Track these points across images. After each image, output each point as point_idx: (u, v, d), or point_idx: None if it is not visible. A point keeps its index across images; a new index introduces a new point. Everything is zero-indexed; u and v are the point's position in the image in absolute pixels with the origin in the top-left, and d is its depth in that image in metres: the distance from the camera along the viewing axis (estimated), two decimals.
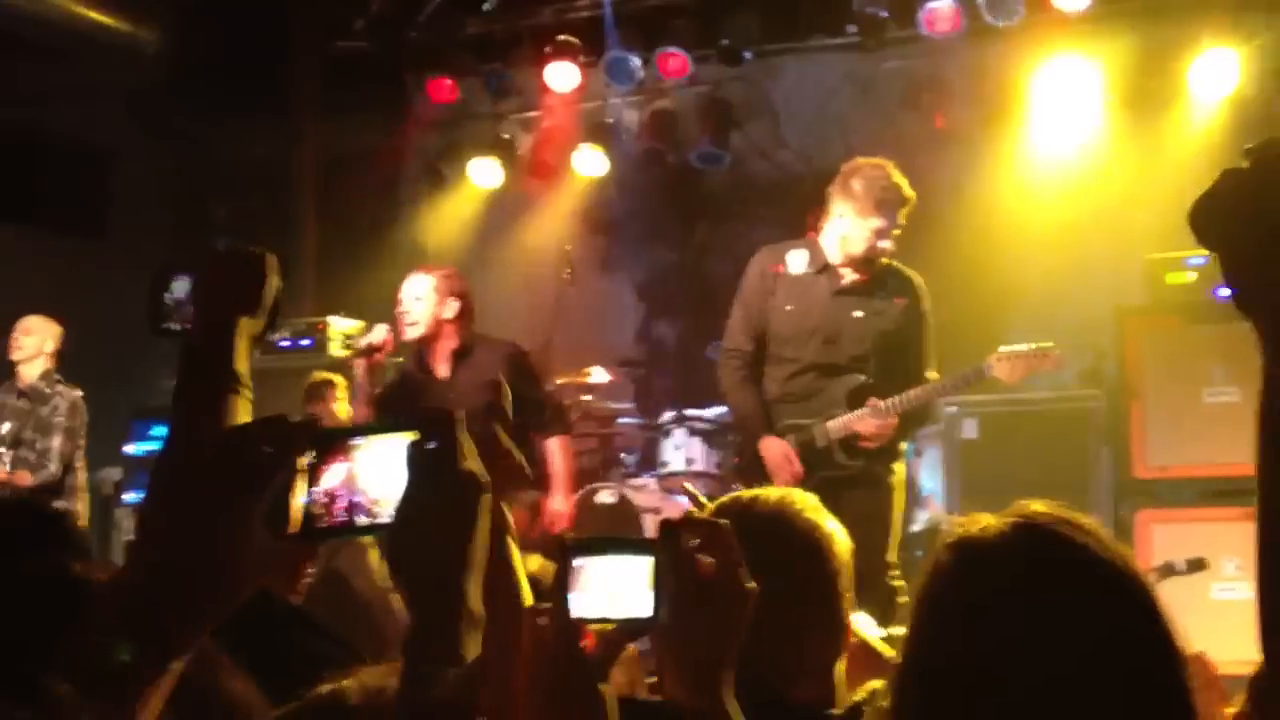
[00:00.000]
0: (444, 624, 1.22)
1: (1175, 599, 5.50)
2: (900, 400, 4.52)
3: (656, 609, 1.27)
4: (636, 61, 7.78)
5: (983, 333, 5.32)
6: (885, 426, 4.50)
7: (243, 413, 1.63)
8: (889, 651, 2.42)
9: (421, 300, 5.56)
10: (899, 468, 4.74)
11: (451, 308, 5.58)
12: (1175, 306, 5.71)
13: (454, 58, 8.11)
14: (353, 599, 5.89)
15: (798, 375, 4.63)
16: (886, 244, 4.53)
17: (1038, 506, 1.36)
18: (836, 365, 4.60)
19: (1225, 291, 5.01)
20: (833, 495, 4.07)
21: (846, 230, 4.54)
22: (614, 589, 1.28)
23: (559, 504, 5.68)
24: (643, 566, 1.29)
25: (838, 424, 4.57)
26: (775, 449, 4.56)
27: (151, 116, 8.72)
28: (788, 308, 4.64)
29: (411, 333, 5.57)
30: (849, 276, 4.62)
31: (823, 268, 4.64)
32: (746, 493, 2.20)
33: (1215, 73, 6.73)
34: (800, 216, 7.27)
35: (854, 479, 4.56)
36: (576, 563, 1.29)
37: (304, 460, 1.25)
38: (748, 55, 7.60)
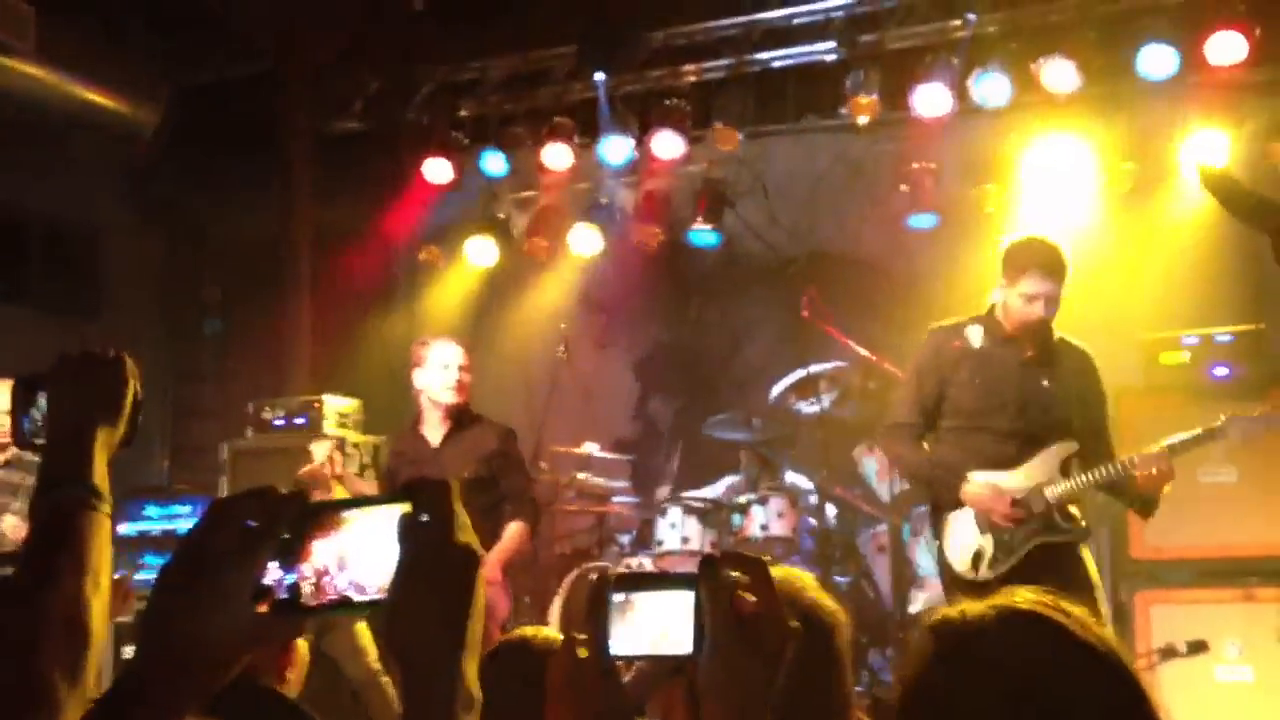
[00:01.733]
0: (440, 707, 1.18)
1: (1179, 682, 5.45)
2: (1178, 443, 4.51)
3: (697, 645, 1.25)
4: (630, 142, 7.85)
5: None
6: (1166, 465, 4.45)
7: (102, 530, 1.53)
8: None
9: (466, 369, 5.93)
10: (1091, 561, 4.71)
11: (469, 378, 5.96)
12: (1170, 386, 5.71)
13: (450, 138, 8.19)
14: (344, 683, 5.81)
15: (999, 444, 4.64)
16: (1039, 309, 4.56)
17: (1023, 593, 1.34)
18: (1036, 434, 4.63)
19: (1220, 371, 5.04)
20: (1051, 565, 4.34)
21: (1004, 298, 4.65)
22: (654, 625, 1.26)
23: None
24: (684, 602, 1.26)
25: (1092, 475, 4.53)
26: (982, 489, 4.55)
27: (145, 195, 8.76)
28: (976, 380, 4.69)
29: (456, 397, 5.88)
30: (1029, 348, 4.67)
31: (1003, 340, 4.70)
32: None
33: (1205, 154, 6.79)
34: (794, 295, 7.29)
35: (1069, 550, 4.55)
36: (617, 598, 1.27)
37: (290, 534, 1.22)
38: (741, 136, 7.66)
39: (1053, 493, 4.55)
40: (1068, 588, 3.84)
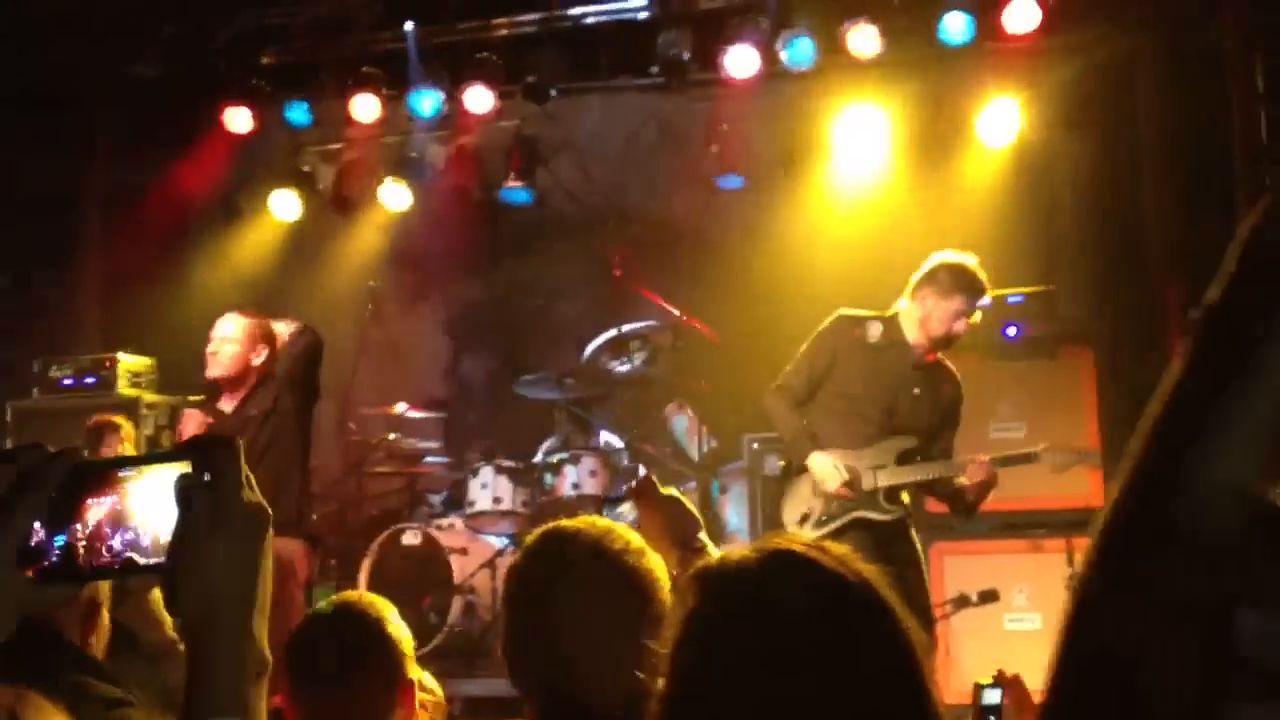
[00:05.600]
0: (227, 670, 1.14)
1: (970, 629, 5.68)
2: (1001, 457, 5.06)
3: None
4: (441, 95, 7.69)
5: (778, 374, 5.42)
6: (990, 475, 4.99)
7: None
8: None
9: (231, 342, 5.57)
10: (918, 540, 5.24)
11: (260, 355, 5.62)
12: (964, 345, 5.91)
13: (251, 86, 7.88)
14: (140, 654, 5.60)
15: (864, 428, 5.13)
16: (961, 325, 5.10)
17: (788, 538, 1.37)
18: (894, 429, 5.13)
19: (1011, 330, 5.22)
20: (872, 538, 4.85)
21: (929, 311, 5.09)
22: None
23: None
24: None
25: (920, 470, 5.10)
26: (825, 461, 5.03)
27: None
28: (863, 371, 5.15)
29: (214, 372, 5.57)
30: (918, 357, 5.17)
31: (896, 343, 5.16)
32: (570, 523, 2.21)
33: (999, 120, 7.04)
34: (604, 254, 7.30)
35: (892, 528, 5.05)
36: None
37: (56, 493, 1.15)
38: (553, 93, 7.60)
39: (884, 477, 5.08)
40: (890, 558, 4.23)
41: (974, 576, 5.53)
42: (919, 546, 5.17)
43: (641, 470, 7.15)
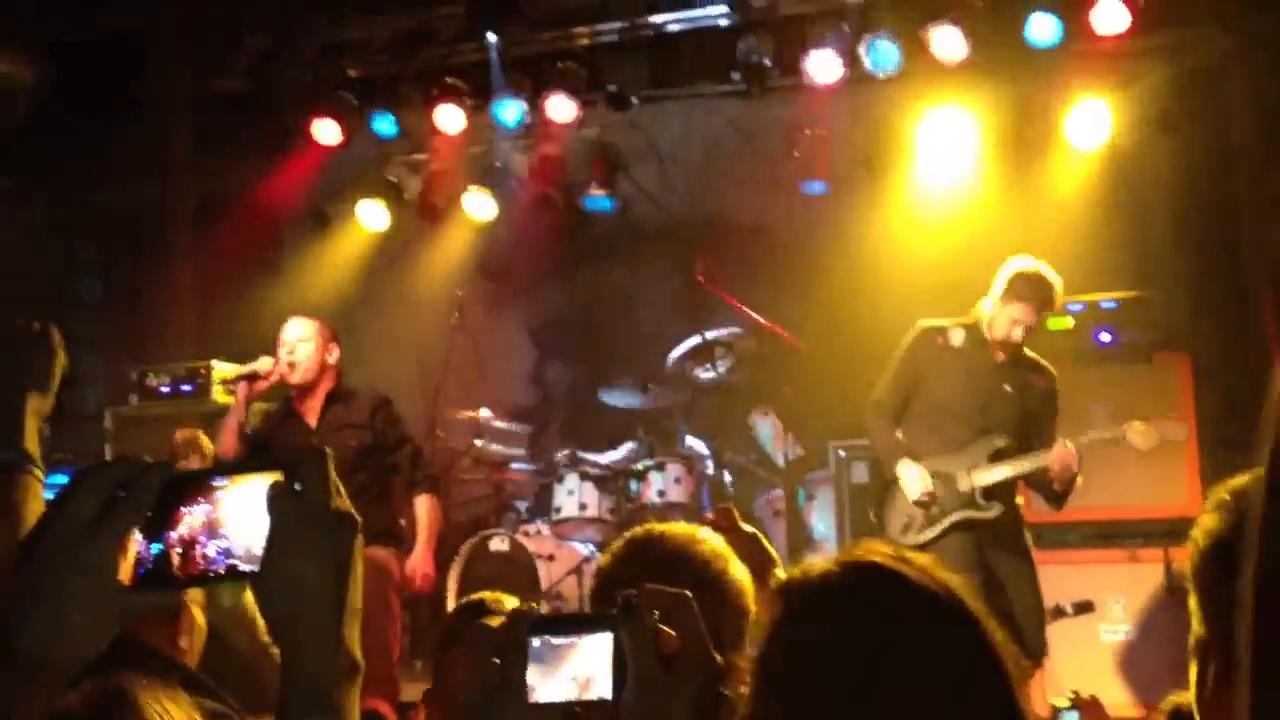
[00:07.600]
0: (320, 674, 1.16)
1: (1065, 640, 5.55)
2: (1083, 442, 5.03)
3: (617, 690, 1.17)
4: (523, 105, 7.76)
5: (868, 379, 5.38)
6: (1069, 458, 4.97)
7: (35, 494, 1.56)
8: None
9: (307, 343, 5.57)
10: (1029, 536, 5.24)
11: (333, 354, 5.64)
12: (1057, 351, 5.83)
13: (337, 98, 8.00)
14: (233, 657, 5.70)
15: (955, 434, 5.24)
16: (1018, 333, 5.15)
17: (870, 546, 1.36)
18: (987, 428, 5.23)
19: (1105, 336, 5.11)
20: (975, 539, 4.98)
21: (994, 315, 5.20)
22: (573, 670, 1.18)
23: (419, 560, 5.64)
24: (603, 644, 1.18)
25: (1012, 466, 5.11)
26: (913, 470, 5.14)
27: (20, 158, 8.45)
28: (950, 376, 5.26)
29: (296, 375, 5.55)
30: (1001, 356, 5.26)
31: (981, 345, 5.27)
32: (658, 527, 2.22)
33: (1089, 123, 6.93)
34: (687, 260, 7.30)
35: (998, 525, 5.09)
36: (534, 642, 1.19)
37: (158, 503, 1.18)
38: (634, 101, 7.62)
39: (978, 476, 5.13)
40: (1004, 552, 4.78)
41: (1069, 587, 5.44)
42: (1030, 541, 5.18)
43: (727, 476, 7.14)
